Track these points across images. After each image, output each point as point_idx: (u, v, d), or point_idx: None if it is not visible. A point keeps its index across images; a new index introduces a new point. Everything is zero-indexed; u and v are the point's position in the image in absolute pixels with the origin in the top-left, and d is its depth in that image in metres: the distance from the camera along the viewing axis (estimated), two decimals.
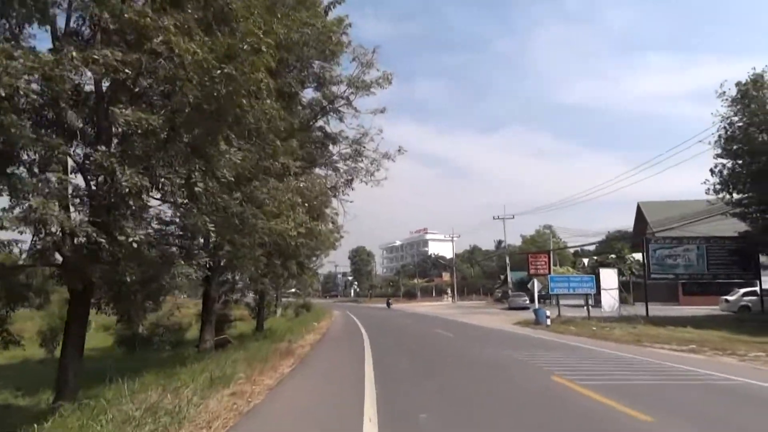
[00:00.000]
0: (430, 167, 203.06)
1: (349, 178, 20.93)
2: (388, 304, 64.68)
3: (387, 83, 19.50)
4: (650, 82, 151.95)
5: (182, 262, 9.13)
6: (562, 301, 29.06)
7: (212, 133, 8.46)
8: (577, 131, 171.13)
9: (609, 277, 26.81)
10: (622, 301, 26.87)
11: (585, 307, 25.77)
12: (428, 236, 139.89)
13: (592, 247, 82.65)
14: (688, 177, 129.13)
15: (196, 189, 8.28)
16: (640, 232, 50.97)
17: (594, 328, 21.60)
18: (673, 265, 28.08)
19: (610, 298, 26.66)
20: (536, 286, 26.99)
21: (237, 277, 23.03)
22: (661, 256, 28.12)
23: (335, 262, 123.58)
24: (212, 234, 9.56)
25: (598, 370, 10.80)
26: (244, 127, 10.01)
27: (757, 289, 30.43)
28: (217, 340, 18.91)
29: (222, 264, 17.33)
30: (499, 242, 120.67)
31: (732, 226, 28.74)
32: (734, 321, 25.45)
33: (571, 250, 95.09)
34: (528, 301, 45.25)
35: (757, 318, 25.88)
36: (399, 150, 20.71)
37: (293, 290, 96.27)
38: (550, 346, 15.98)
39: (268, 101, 11.09)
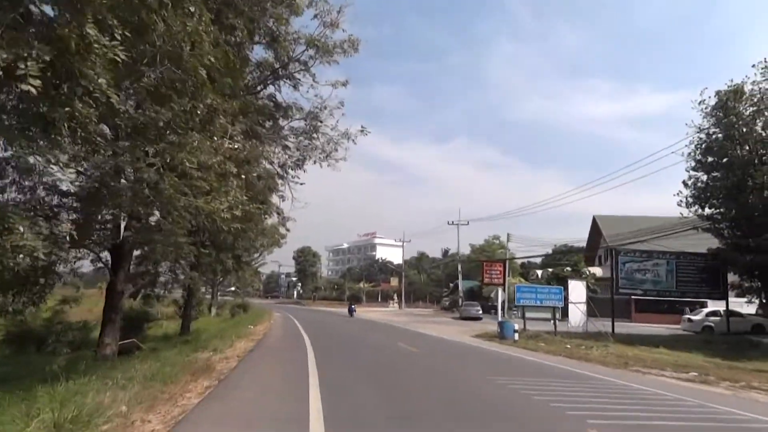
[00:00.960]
0: (382, 173, 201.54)
1: (301, 157, 17.57)
2: (351, 311, 46.81)
3: (353, 50, 16.27)
4: (594, 105, 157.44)
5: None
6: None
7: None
8: (523, 147, 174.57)
9: (577, 290, 24.67)
10: (590, 315, 24.76)
11: (552, 321, 23.46)
12: (377, 240, 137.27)
13: (538, 260, 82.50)
14: (632, 196, 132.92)
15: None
16: (595, 245, 50.08)
17: (568, 346, 19.17)
18: (641, 280, 26.29)
19: (577, 311, 24.49)
20: (500, 295, 24.44)
21: (160, 269, 19.22)
22: (630, 270, 26.28)
23: (279, 261, 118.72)
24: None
25: (623, 410, 8.02)
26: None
27: (721, 309, 29.27)
28: (122, 345, 15.04)
29: (131, 248, 13.62)
30: (446, 250, 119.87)
31: (705, 243, 27.42)
32: (702, 342, 23.78)
33: (518, 262, 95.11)
34: (480, 311, 43.07)
35: (725, 339, 24.39)
36: (362, 130, 17.37)
37: (233, 288, 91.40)
38: (537, 370, 13.22)
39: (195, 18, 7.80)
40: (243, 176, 11.97)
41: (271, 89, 17.18)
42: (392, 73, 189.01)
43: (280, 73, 16.61)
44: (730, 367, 15.94)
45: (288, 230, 26.03)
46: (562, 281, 43.10)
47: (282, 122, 17.64)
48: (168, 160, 9.04)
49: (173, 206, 9.96)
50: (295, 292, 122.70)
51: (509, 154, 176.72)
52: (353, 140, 17.44)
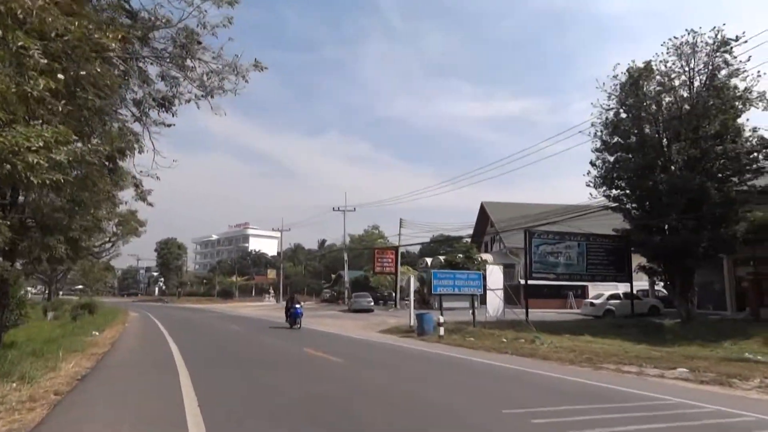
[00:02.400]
0: (253, 164, 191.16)
1: (169, 94, 12.25)
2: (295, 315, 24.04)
3: None
4: (459, 106, 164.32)
5: None
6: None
7: None
8: (395, 144, 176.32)
9: (494, 275, 22.04)
10: (508, 302, 22.37)
11: (471, 311, 20.55)
12: (250, 231, 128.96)
13: (416, 249, 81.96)
14: (502, 190, 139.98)
15: None
16: (482, 232, 49.31)
17: (504, 340, 16.17)
18: (554, 264, 24.52)
19: (496, 299, 21.88)
20: (413, 284, 20.97)
21: None
22: (544, 253, 24.38)
23: (138, 255, 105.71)
24: None
25: None
26: None
27: (620, 292, 28.87)
28: None
29: None
30: (323, 241, 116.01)
31: (613, 225, 26.62)
32: (613, 327, 22.49)
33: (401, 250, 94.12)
34: (372, 303, 39.69)
35: (632, 323, 23.43)
36: (256, 65, 12.26)
37: (80, 286, 78.39)
38: (520, 383, 9.66)
39: None
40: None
41: None
42: (266, 61, 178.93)
43: None
44: (685, 356, 13.92)
45: (151, 204, 20.15)
46: (455, 269, 41.40)
47: (140, 48, 12.13)
48: None
49: None
50: (157, 289, 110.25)
51: (382, 150, 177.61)
52: (244, 77, 12.32)
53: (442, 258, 44.30)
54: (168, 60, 12.06)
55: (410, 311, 21.00)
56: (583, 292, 40.37)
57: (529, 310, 38.74)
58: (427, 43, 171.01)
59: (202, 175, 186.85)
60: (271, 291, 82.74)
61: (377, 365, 11.06)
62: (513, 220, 41.26)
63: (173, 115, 12.38)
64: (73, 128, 9.76)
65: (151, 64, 12.13)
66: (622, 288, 30.85)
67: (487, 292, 21.45)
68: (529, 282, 41.04)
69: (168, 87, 12.35)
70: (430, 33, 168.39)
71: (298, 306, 23.36)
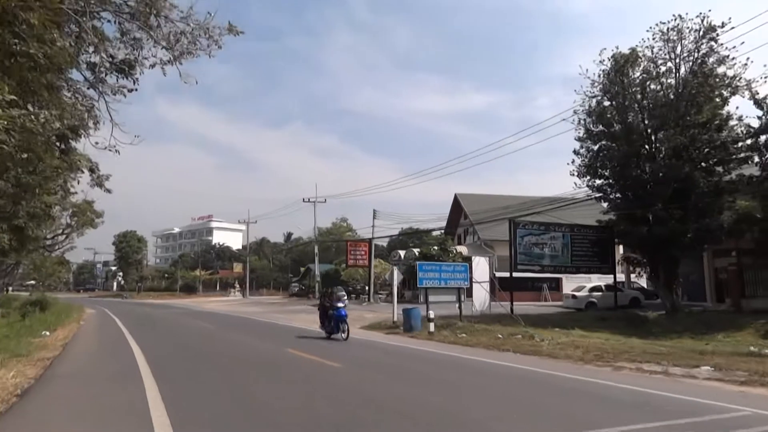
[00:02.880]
0: (215, 155, 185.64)
1: (130, 57, 10.48)
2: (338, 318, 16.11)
3: None
4: (425, 100, 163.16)
5: None
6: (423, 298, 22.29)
7: None
8: (360, 136, 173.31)
9: (481, 267, 20.97)
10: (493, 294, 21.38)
11: (457, 305, 19.41)
12: (214, 224, 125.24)
13: (384, 243, 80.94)
14: (469, 183, 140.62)
15: None
16: (455, 224, 48.44)
17: (500, 336, 15.06)
18: (539, 255, 23.68)
19: (482, 292, 20.83)
20: (396, 276, 19.64)
21: None
22: (529, 244, 23.51)
23: (94, 248, 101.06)
24: None
25: None
26: None
27: (603, 284, 28.36)
28: None
29: None
30: (289, 234, 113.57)
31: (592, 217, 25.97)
32: (597, 320, 21.81)
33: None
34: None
35: (616, 315, 22.86)
36: (231, 28, 10.57)
37: (32, 282, 73.94)
38: (546, 390, 8.49)
39: None
40: None
41: None
42: (227, 50, 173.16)
43: None
44: (692, 351, 13.13)
45: (109, 191, 18.19)
46: (430, 261, 40.33)
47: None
48: None
49: None
50: (116, 284, 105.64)
51: (348, 142, 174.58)
52: (216, 41, 10.59)
53: (416, 250, 43.22)
54: (129, 15, 10.25)
55: (394, 306, 19.71)
56: (557, 285, 39.96)
57: (504, 303, 38.33)
58: (394, 35, 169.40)
59: (162, 166, 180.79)
60: (237, 285, 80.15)
61: (382, 370, 9.63)
62: (488, 212, 40.50)
63: (134, 83, 10.60)
64: (13, 91, 8.05)
65: (109, 21, 10.33)
66: (596, 280, 30.52)
67: (474, 285, 20.36)
68: (505, 275, 40.64)
69: (129, 49, 10.56)
70: (397, 26, 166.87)
71: (341, 305, 15.72)
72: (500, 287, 25.38)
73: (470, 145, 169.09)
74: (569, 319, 22.27)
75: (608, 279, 29.04)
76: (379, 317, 24.98)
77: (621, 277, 30.17)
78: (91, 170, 18.19)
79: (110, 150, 9.59)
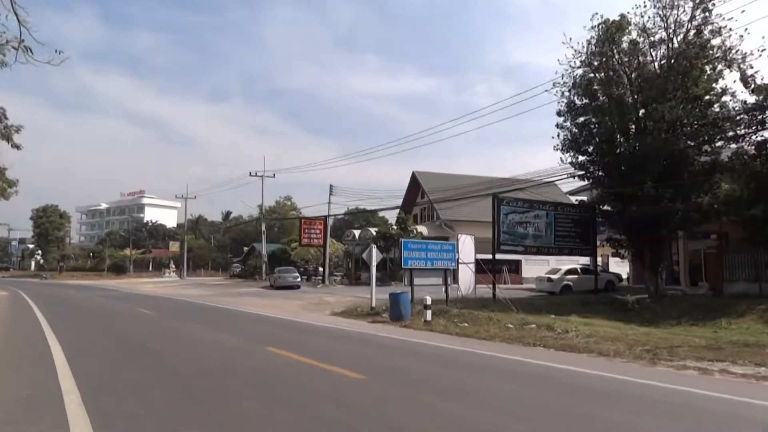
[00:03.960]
0: (146, 129, 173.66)
1: None
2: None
3: None
4: (366, 80, 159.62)
5: None
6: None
7: None
8: (301, 115, 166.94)
9: (467, 246, 18.72)
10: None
11: (443, 288, 17.08)
12: (146, 200, 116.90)
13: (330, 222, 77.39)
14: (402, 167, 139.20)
15: None
16: (411, 203, 46.21)
17: (510, 326, 12.83)
18: (523, 235, 21.76)
19: (468, 273, 18.62)
20: (375, 255, 16.87)
21: None
22: (512, 223, 21.51)
23: (8, 224, 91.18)
24: None
25: None
26: None
27: (578, 266, 27.03)
28: None
29: None
30: (228, 213, 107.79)
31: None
32: (579, 304, 20.26)
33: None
34: (299, 279, 35.19)
35: (597, 299, 21.48)
36: None
37: None
38: (635, 398, 6.17)
39: None
40: None
41: None
42: (161, 21, 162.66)
43: None
44: (738, 343, 11.45)
45: (18, 147, 14.57)
46: (389, 241, 37.96)
47: None
48: None
49: None
50: (33, 263, 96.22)
51: (288, 121, 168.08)
52: None
53: (373, 230, 40.67)
54: None
55: (372, 289, 17.06)
56: (516, 268, 38.71)
57: (481, 286, 36.70)
58: (335, 12, 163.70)
59: (88, 139, 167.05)
60: (172, 265, 74.55)
61: (412, 380, 7.00)
62: (447, 190, 38.53)
63: None
64: None
65: None
66: (554, 263, 29.08)
67: (459, 266, 18.10)
68: (523, 256, 39.05)
69: None
70: (339, 2, 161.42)
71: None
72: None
73: (411, 127, 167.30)
74: (551, 303, 20.54)
75: (573, 261, 27.94)
76: (346, 301, 22.33)
77: (586, 260, 29.07)
78: None
79: (15, 49, 6.21)
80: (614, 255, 27.54)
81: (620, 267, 33.37)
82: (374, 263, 16.98)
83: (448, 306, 16.33)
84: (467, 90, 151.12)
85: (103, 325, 13.47)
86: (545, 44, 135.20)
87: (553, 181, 31.73)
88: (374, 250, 17.01)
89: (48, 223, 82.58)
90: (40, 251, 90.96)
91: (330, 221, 40.53)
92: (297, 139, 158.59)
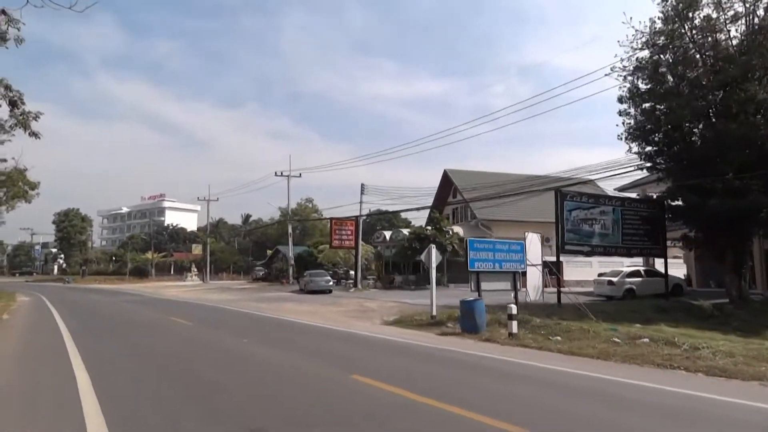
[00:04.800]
0: (165, 134, 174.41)
1: None
2: None
3: None
4: (382, 85, 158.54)
5: None
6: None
7: None
8: (315, 119, 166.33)
9: (534, 246, 16.52)
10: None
11: (513, 293, 14.93)
12: (166, 203, 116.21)
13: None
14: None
15: None
16: (442, 203, 43.99)
17: (617, 340, 10.64)
18: (589, 234, 19.46)
19: (535, 276, 16.43)
20: (434, 256, 14.73)
21: None
22: (577, 220, 19.23)
23: (31, 228, 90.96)
24: None
25: None
26: None
27: (642, 268, 24.61)
28: None
29: None
30: (247, 216, 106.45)
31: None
32: (656, 310, 17.93)
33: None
34: (332, 282, 33.22)
35: (670, 305, 19.10)
36: None
37: None
38: None
39: None
40: None
41: None
42: (177, 29, 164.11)
43: None
44: None
45: (37, 135, 12.88)
46: (424, 242, 35.78)
47: None
48: None
49: None
50: (56, 267, 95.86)
51: (302, 125, 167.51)
52: None
53: (405, 231, 38.54)
54: None
55: (432, 294, 14.94)
56: (558, 270, 36.09)
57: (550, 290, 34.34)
58: (349, 18, 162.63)
59: (109, 145, 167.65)
60: (194, 269, 73.18)
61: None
62: (481, 189, 36.26)
63: None
64: None
65: None
66: (597, 265, 26.33)
67: (528, 268, 15.91)
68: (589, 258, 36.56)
69: None
70: (353, 8, 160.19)
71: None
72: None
73: (425, 130, 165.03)
74: (625, 310, 18.18)
75: (635, 264, 25.55)
76: (390, 307, 20.29)
77: (638, 262, 26.57)
78: (12, 103, 12.64)
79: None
80: (694, 255, 24.93)
81: (676, 269, 30.81)
82: (434, 264, 14.87)
83: (521, 314, 14.17)
84: (483, 91, 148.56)
85: (137, 341, 11.53)
86: (561, 41, 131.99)
87: (594, 179, 29.60)
88: (434, 251, 14.90)
89: (70, 227, 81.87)
90: (62, 255, 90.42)
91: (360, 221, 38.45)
92: (312, 143, 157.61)
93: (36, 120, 13.21)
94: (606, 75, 21.98)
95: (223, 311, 20.25)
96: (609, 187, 35.52)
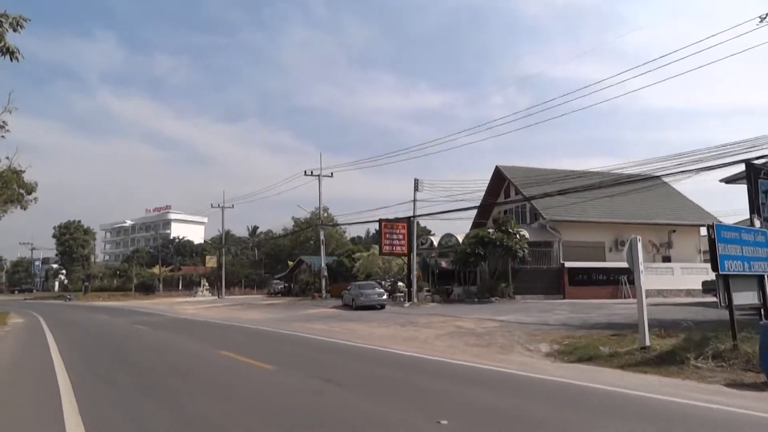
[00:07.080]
0: (166, 149, 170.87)
1: None
2: None
3: None
4: (382, 98, 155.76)
5: None
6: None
7: None
8: (315, 133, 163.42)
9: (639, 252, 11.04)
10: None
11: (762, 305, 9.51)
12: (172, 216, 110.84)
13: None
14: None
15: None
16: (494, 192, 38.57)
17: None
18: None
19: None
20: (640, 254, 9.41)
21: None
22: None
23: (31, 243, 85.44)
24: None
25: None
26: None
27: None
28: None
29: None
30: (255, 228, 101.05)
31: None
32: None
33: (347, 236, 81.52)
34: (385, 296, 27.71)
35: None
36: None
37: None
38: None
39: None
40: None
41: None
42: (178, 43, 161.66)
43: None
44: None
45: (15, 56, 6.72)
46: (488, 247, 30.38)
47: None
48: None
49: None
50: (57, 283, 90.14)
51: (303, 139, 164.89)
52: None
53: (459, 236, 33.05)
54: None
55: (642, 309, 9.51)
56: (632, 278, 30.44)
57: (579, 300, 28.65)
58: (350, 33, 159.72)
59: (110, 161, 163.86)
60: (204, 283, 67.61)
61: None
62: (540, 187, 31.00)
63: None
64: None
65: None
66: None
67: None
68: (567, 265, 31.07)
69: None
70: (353, 23, 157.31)
71: None
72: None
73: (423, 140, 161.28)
74: None
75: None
76: (491, 327, 14.89)
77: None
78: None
79: None
80: None
81: None
82: (641, 266, 9.45)
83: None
84: (482, 102, 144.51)
85: (177, 397, 6.07)
86: (558, 52, 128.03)
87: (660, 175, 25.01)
88: (639, 245, 9.48)
89: (72, 240, 76.39)
90: (64, 271, 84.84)
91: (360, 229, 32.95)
92: (313, 156, 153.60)
93: (16, 30, 7.88)
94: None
95: (287, 340, 14.66)
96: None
